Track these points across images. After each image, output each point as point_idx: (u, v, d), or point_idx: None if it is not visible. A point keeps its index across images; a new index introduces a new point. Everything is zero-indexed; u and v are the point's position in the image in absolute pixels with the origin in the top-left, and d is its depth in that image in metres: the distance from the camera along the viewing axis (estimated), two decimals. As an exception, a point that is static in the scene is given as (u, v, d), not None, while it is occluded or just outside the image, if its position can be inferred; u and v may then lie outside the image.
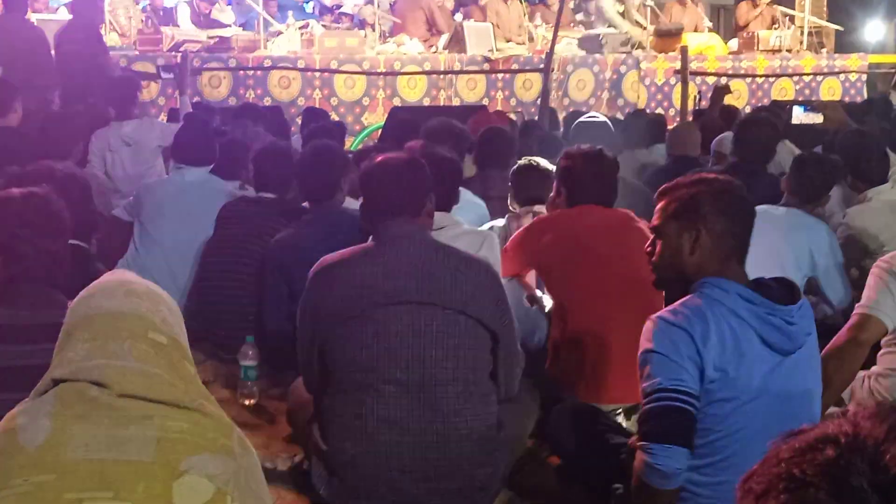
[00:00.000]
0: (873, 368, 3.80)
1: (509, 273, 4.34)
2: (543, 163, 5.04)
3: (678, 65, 11.40)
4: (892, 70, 13.38)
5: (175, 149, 6.06)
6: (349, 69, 10.96)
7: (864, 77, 13.03)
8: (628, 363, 3.82)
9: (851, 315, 3.69)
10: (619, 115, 11.33)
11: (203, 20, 12.08)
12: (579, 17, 13.57)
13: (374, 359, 3.35)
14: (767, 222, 4.54)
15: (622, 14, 13.25)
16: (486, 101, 11.32)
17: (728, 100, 11.81)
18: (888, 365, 3.76)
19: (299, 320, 3.56)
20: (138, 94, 7.89)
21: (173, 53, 10.26)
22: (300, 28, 11.65)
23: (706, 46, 12.62)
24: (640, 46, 12.56)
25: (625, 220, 4.24)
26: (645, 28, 12.82)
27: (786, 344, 2.76)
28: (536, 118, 9.83)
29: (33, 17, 9.63)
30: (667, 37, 12.49)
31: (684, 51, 11.25)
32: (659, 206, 2.99)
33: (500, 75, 11.56)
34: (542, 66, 10.98)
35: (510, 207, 5.10)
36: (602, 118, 7.27)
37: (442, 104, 11.13)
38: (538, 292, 4.48)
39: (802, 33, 13.22)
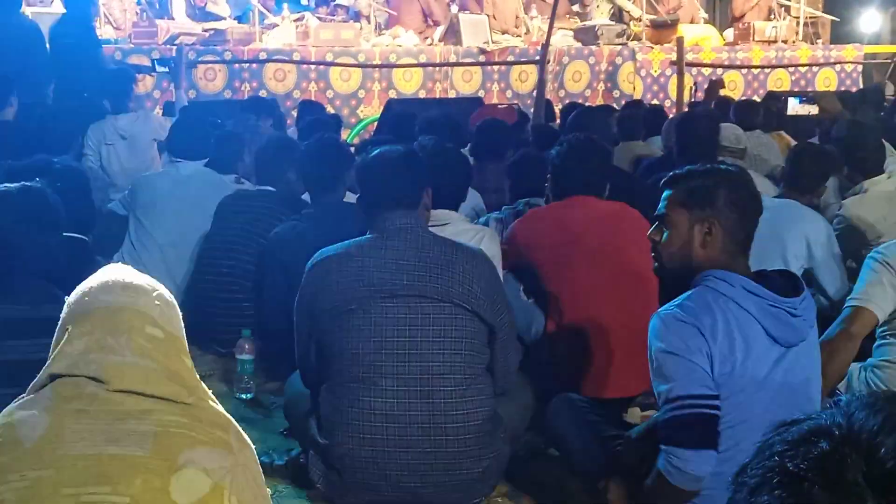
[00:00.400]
0: (869, 360, 3.80)
1: (505, 267, 4.34)
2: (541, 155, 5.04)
3: (674, 56, 11.40)
4: (888, 60, 13.35)
5: (171, 142, 6.06)
6: (345, 62, 10.94)
7: (860, 68, 13.02)
8: (624, 356, 3.83)
9: (844, 307, 3.70)
10: (616, 107, 11.35)
11: (198, 13, 12.04)
12: (576, 7, 13.55)
13: (370, 352, 3.35)
14: (764, 213, 4.55)
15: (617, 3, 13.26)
16: (481, 94, 11.31)
17: (724, 91, 11.82)
18: (884, 356, 3.76)
19: (296, 314, 3.56)
20: (134, 88, 7.88)
21: (168, 46, 10.24)
22: (295, 20, 11.62)
23: (702, 37, 12.61)
24: (636, 38, 12.55)
25: (618, 212, 4.23)
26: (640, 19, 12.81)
27: (790, 336, 2.76)
28: (532, 110, 9.82)
29: (28, 11, 9.59)
30: (662, 28, 12.47)
31: (680, 42, 11.24)
32: (668, 194, 2.94)
33: (495, 67, 11.55)
34: (537, 57, 10.96)
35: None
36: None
37: (438, 96, 11.11)
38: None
39: (798, 24, 13.20)
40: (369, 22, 12.01)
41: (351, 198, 4.80)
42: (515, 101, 11.11)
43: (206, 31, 11.09)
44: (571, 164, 4.26)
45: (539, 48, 11.06)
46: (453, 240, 3.61)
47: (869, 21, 14.45)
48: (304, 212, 4.80)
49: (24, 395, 1.96)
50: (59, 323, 2.02)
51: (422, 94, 11.14)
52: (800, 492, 0.93)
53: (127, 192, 5.74)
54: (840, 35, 14.09)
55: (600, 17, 13.12)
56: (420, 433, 3.35)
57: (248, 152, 6.24)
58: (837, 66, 12.87)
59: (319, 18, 12.15)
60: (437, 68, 11.33)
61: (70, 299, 2.06)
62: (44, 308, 2.86)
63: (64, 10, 9.06)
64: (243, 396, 4.50)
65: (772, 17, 13.36)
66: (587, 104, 10.05)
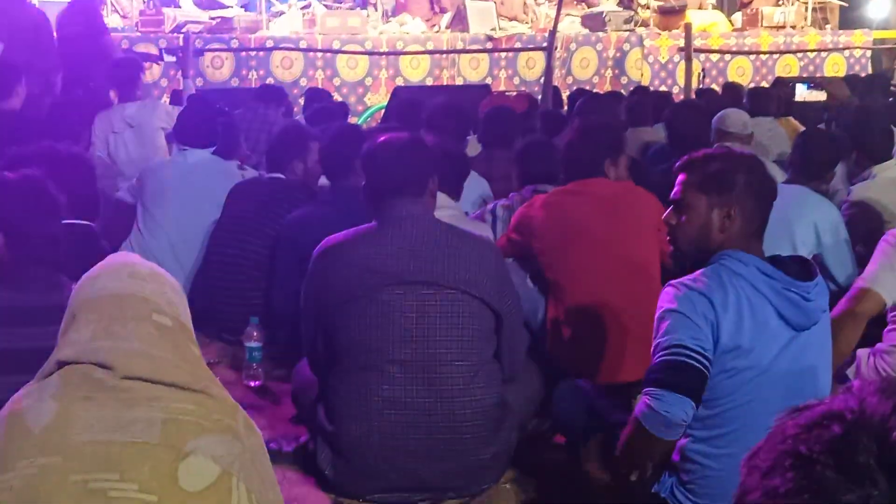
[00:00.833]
0: (878, 345, 3.80)
1: (510, 255, 4.35)
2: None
3: (682, 42, 11.37)
4: (897, 45, 13.33)
5: (178, 130, 6.06)
6: (352, 49, 10.94)
7: (869, 53, 12.97)
8: (628, 340, 3.83)
9: (851, 287, 3.70)
10: (623, 94, 11.33)
11: (205, 1, 12.04)
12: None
13: (378, 339, 3.35)
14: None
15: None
16: (489, 81, 11.30)
17: (732, 77, 11.79)
18: (893, 342, 3.75)
19: (303, 301, 3.57)
20: (141, 76, 7.88)
21: (175, 35, 10.25)
22: (302, 8, 11.62)
23: (710, 23, 12.57)
24: (644, 24, 12.51)
25: (620, 195, 4.21)
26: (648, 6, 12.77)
27: (801, 319, 2.77)
28: (540, 97, 9.80)
29: (35, -1, 9.62)
30: (670, 14, 12.45)
31: (688, 28, 11.21)
32: (684, 178, 2.95)
33: (503, 54, 11.53)
34: (545, 44, 10.95)
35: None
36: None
37: (445, 84, 11.10)
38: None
39: (807, 9, 13.15)
40: (376, 9, 11.99)
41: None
42: (523, 88, 11.10)
43: (212, 19, 11.09)
44: (579, 145, 4.27)
45: (546, 35, 11.05)
46: (460, 227, 3.61)
47: (877, 6, 14.39)
48: (321, 196, 4.80)
49: (31, 382, 1.96)
50: (67, 310, 2.02)
51: (429, 82, 11.14)
52: (812, 475, 0.94)
53: (135, 181, 5.74)
54: (848, 20, 14.03)
55: (608, 3, 13.08)
56: (428, 420, 3.35)
57: (253, 139, 6.25)
58: (846, 52, 12.82)
59: (326, 6, 12.14)
60: (445, 55, 11.32)
61: (77, 287, 2.06)
62: (51, 296, 2.87)
63: (70, -1, 9.05)
64: (251, 384, 4.50)
65: (780, 2, 13.32)
66: (595, 91, 10.03)
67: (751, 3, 13.37)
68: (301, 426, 3.94)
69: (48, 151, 3.91)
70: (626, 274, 3.98)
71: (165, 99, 9.47)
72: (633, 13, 12.51)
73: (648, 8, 12.79)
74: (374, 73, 11.03)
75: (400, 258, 3.38)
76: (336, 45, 10.85)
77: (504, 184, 5.48)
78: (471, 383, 3.39)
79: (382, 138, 3.62)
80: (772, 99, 7.91)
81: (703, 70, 11.84)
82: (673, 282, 2.82)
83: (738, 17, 13.10)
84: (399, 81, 10.96)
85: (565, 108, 9.06)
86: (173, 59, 9.84)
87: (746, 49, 12.41)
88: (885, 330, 3.78)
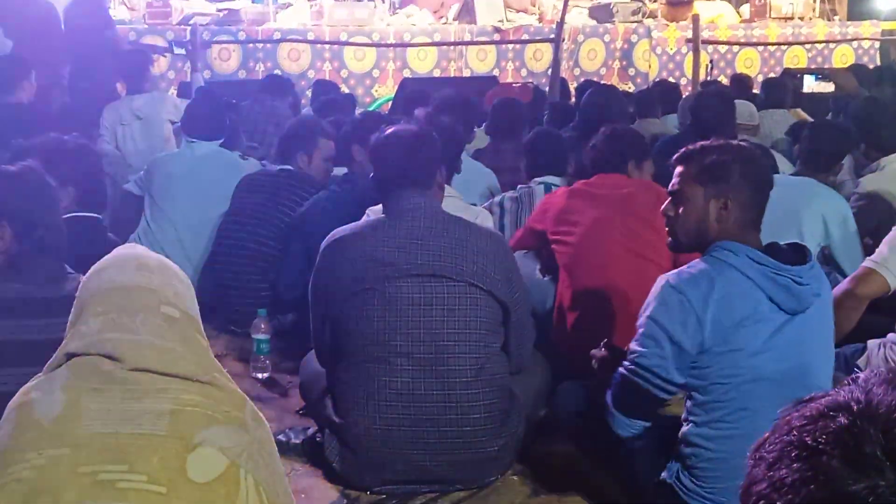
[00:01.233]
0: (890, 336, 3.79)
1: (529, 246, 4.37)
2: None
3: (690, 33, 11.34)
4: (906, 37, 13.27)
5: (186, 123, 6.06)
6: (359, 41, 10.92)
7: (877, 44, 12.92)
8: (630, 329, 3.86)
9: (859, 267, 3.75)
10: (631, 85, 11.30)
11: (212, -7, 12.03)
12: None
13: (385, 332, 3.36)
14: (781, 191, 4.53)
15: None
16: (496, 72, 11.28)
17: (740, 68, 11.76)
18: (904, 334, 3.75)
19: (311, 293, 3.57)
20: (150, 68, 7.88)
21: (182, 27, 10.24)
22: (309, 0, 11.60)
23: (718, 15, 12.53)
24: (652, 15, 12.48)
25: (638, 190, 4.23)
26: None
27: (794, 303, 2.82)
28: (547, 89, 9.79)
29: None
30: (678, 5, 12.40)
31: (696, 19, 11.17)
32: (682, 170, 3.00)
33: (510, 46, 11.51)
34: (552, 35, 10.92)
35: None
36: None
37: (452, 75, 11.08)
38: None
39: (815, 0, 13.11)
40: (384, 1, 11.97)
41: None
42: (530, 80, 11.08)
43: (220, 11, 11.08)
44: (606, 147, 4.37)
45: (554, 26, 11.02)
46: (467, 219, 3.61)
47: (886, -3, 14.33)
48: (335, 186, 4.80)
49: (40, 374, 1.97)
50: (75, 303, 2.02)
51: (436, 73, 11.12)
52: (819, 465, 0.94)
53: (142, 173, 5.75)
54: (857, 11, 13.97)
55: (615, -6, 13.04)
56: (435, 412, 3.36)
57: (261, 131, 6.25)
58: (854, 43, 12.77)
59: (334, -3, 12.12)
60: (452, 47, 11.30)
61: (85, 279, 2.06)
62: (58, 287, 2.88)
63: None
64: (259, 376, 4.51)
65: (788, -7, 13.27)
66: (602, 82, 10.01)
67: (759, -7, 13.33)
68: (309, 418, 3.95)
69: (53, 144, 3.92)
70: (637, 266, 3.99)
71: (173, 91, 9.47)
72: (640, 4, 12.47)
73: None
74: (381, 65, 11.02)
75: (408, 250, 3.38)
76: (343, 37, 10.84)
77: (511, 175, 5.48)
78: (478, 375, 3.40)
79: (390, 130, 3.62)
80: (787, 90, 7.91)
81: (710, 61, 11.81)
82: (664, 276, 2.89)
83: (746, 8, 13.06)
84: (406, 73, 10.95)
85: (573, 99, 9.04)
86: (183, 51, 9.83)
87: (755, 40, 12.37)
88: (897, 322, 3.78)
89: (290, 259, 4.72)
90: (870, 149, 5.24)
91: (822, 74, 10.36)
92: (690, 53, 11.23)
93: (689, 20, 11.62)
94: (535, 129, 5.28)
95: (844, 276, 4.46)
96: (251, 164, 5.77)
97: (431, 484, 3.45)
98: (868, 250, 4.49)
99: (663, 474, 2.99)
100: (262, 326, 4.52)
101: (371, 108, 10.30)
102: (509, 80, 11.10)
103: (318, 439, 3.68)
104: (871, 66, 11.51)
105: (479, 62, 11.39)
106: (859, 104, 5.88)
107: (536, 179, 4.88)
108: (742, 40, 12.30)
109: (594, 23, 12.06)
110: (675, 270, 2.90)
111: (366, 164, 4.46)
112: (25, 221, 2.97)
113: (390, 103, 9.43)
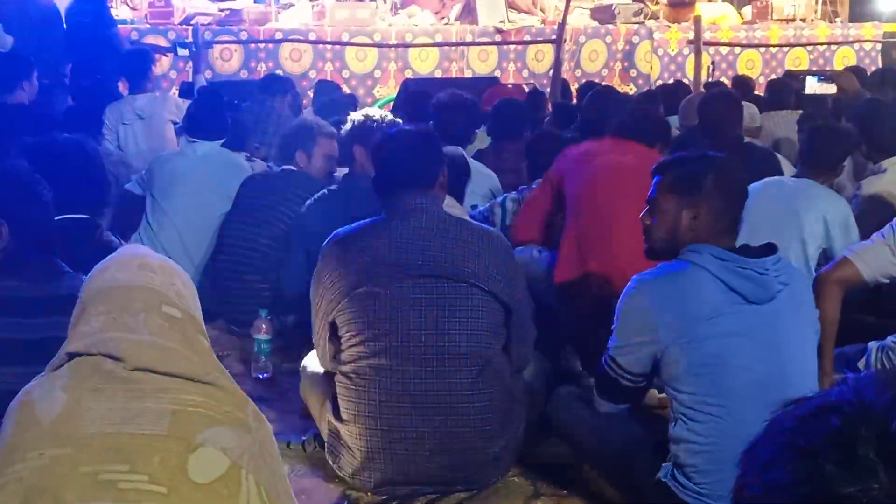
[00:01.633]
0: (888, 339, 3.79)
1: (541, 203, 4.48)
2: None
3: (691, 35, 11.33)
4: (908, 39, 13.25)
5: (188, 123, 6.07)
6: (360, 41, 10.92)
7: (879, 46, 12.91)
8: (634, 237, 3.96)
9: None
10: (632, 86, 11.29)
11: (214, -7, 12.03)
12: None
13: (387, 333, 3.35)
14: (782, 193, 4.54)
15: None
16: (498, 73, 11.27)
17: (742, 70, 11.75)
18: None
19: (313, 294, 3.57)
20: (152, 68, 7.88)
21: (184, 27, 10.25)
22: (311, 0, 11.60)
23: (720, 16, 12.52)
24: (654, 17, 12.47)
25: (641, 164, 4.30)
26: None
27: (759, 292, 2.94)
28: (549, 90, 9.78)
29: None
30: (680, 7, 12.39)
31: (698, 21, 11.17)
32: (658, 180, 3.14)
33: (512, 47, 11.50)
34: (554, 36, 10.92)
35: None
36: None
37: (454, 76, 11.08)
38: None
39: (817, 2, 13.09)
40: (385, 1, 11.97)
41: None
42: (532, 81, 11.07)
43: (221, 11, 11.08)
44: (633, 126, 4.59)
45: (555, 27, 11.02)
46: (469, 220, 3.61)
47: (888, -1, 14.33)
48: (336, 186, 4.80)
49: (41, 373, 1.97)
50: (77, 302, 2.03)
51: (438, 74, 11.11)
52: (812, 468, 0.94)
53: (144, 172, 5.75)
54: (859, 13, 13.96)
55: (617, -5, 13.03)
56: (436, 414, 3.36)
57: (261, 131, 6.24)
58: (856, 45, 12.76)
59: (336, -2, 12.11)
60: (454, 48, 11.30)
61: (87, 279, 2.07)
62: (54, 285, 2.88)
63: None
64: (260, 376, 4.51)
65: (790, -5, 13.26)
66: (604, 83, 10.00)
67: (761, -5, 13.32)
68: (310, 419, 3.95)
69: (43, 144, 3.89)
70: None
71: (175, 91, 9.47)
72: (642, 6, 12.45)
73: (658, 1, 12.74)
74: (382, 66, 11.02)
75: (409, 251, 3.38)
76: (345, 38, 10.84)
77: (513, 176, 5.48)
78: (479, 376, 3.39)
79: (393, 131, 3.62)
80: (791, 91, 7.92)
81: (712, 63, 11.80)
82: (634, 279, 3.06)
83: (748, 9, 13.05)
84: (408, 73, 10.94)
85: (574, 100, 9.04)
86: (186, 52, 9.83)
87: (756, 42, 12.35)
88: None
89: (291, 257, 4.72)
90: (872, 150, 5.23)
91: (824, 76, 10.35)
92: (692, 55, 11.22)
93: (690, 21, 11.60)
94: (537, 131, 5.28)
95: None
96: (258, 165, 5.77)
97: (432, 485, 3.45)
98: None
99: (659, 474, 3.04)
100: (263, 327, 4.52)
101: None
102: (511, 80, 11.09)
103: (318, 440, 3.68)
104: (873, 68, 11.51)
105: (481, 63, 11.38)
106: (862, 106, 5.88)
107: (538, 181, 4.88)
108: (744, 42, 12.28)
109: (596, 24, 12.05)
110: (645, 273, 3.05)
111: (366, 165, 4.48)
112: (21, 219, 2.97)
113: (392, 104, 9.42)
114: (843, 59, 12.60)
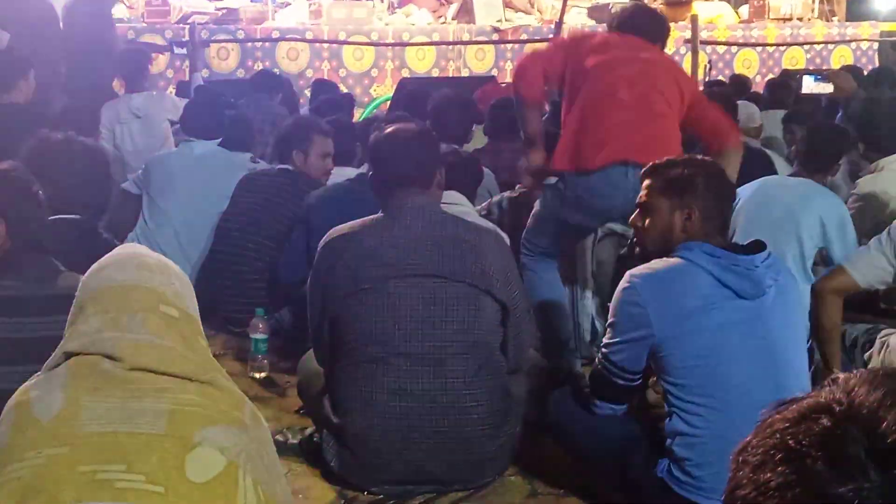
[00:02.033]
0: (891, 338, 3.81)
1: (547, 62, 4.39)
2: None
3: (688, 34, 11.33)
4: (905, 38, 13.26)
5: (184, 121, 6.06)
6: (358, 40, 10.91)
7: (876, 45, 12.92)
8: (636, 121, 4.06)
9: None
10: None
11: (210, -9, 12.01)
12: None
13: (384, 331, 3.35)
14: (778, 192, 4.54)
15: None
16: (495, 72, 11.27)
17: (739, 69, 11.75)
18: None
19: (310, 292, 3.57)
20: (148, 67, 7.87)
21: (181, 26, 10.24)
22: (308, -1, 11.60)
23: (716, 15, 12.52)
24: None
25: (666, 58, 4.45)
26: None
27: (750, 287, 3.01)
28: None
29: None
30: (676, 6, 12.38)
31: (694, 20, 11.17)
32: (649, 182, 3.21)
33: (509, 46, 11.50)
34: (551, 35, 10.91)
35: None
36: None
37: (451, 75, 11.07)
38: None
39: (814, 1, 13.10)
40: (382, 0, 11.96)
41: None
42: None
43: (218, 9, 11.07)
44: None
45: (552, 26, 11.01)
46: (465, 218, 3.61)
47: (885, -2, 14.34)
48: (337, 183, 4.79)
49: (38, 373, 1.97)
50: (74, 302, 2.02)
51: (435, 73, 11.11)
52: (803, 469, 0.94)
53: (140, 172, 5.75)
54: (856, 12, 13.97)
55: (614, -6, 13.04)
56: (433, 412, 3.36)
57: (256, 130, 6.23)
58: (853, 44, 12.77)
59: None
60: (451, 47, 11.29)
61: (85, 278, 2.06)
62: (51, 284, 2.88)
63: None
64: (257, 375, 4.51)
65: (787, -6, 13.26)
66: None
67: (758, -6, 13.31)
68: (307, 418, 3.95)
69: (51, 143, 3.89)
70: (650, 125, 4.14)
71: (172, 90, 9.46)
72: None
73: (655, 0, 12.74)
74: (379, 65, 11.01)
75: (406, 249, 3.38)
76: (342, 37, 10.83)
77: (510, 175, 5.48)
78: (477, 375, 3.39)
79: (390, 129, 3.62)
80: (790, 90, 7.93)
81: (709, 62, 11.79)
82: (627, 274, 3.13)
83: (745, 8, 13.06)
84: (405, 73, 10.94)
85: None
86: (184, 51, 9.82)
87: (753, 41, 12.36)
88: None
89: (293, 244, 4.71)
90: (868, 150, 5.24)
91: (820, 75, 10.35)
92: (689, 54, 11.21)
93: (687, 20, 11.60)
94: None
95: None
96: (261, 166, 5.76)
97: (429, 484, 3.45)
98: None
99: (656, 469, 3.09)
100: (260, 326, 4.52)
101: (369, 108, 10.31)
102: (508, 79, 11.08)
103: (315, 439, 3.68)
104: (870, 67, 11.52)
105: (478, 62, 11.38)
106: (859, 105, 5.89)
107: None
108: (741, 41, 12.29)
109: (593, 23, 12.05)
110: (638, 268, 3.12)
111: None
112: (18, 218, 2.97)
113: (389, 103, 9.42)
114: (839, 58, 12.61)
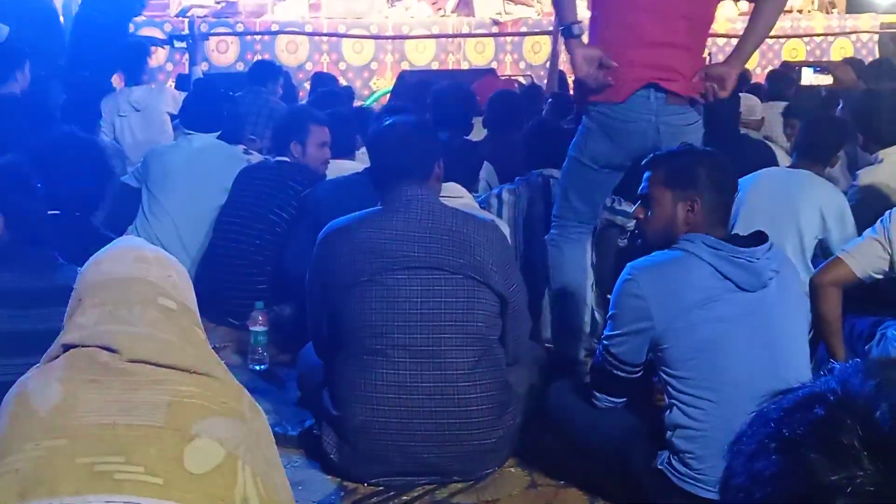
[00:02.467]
0: (890, 330, 3.80)
1: None
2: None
3: (688, 26, 11.30)
4: (905, 30, 13.25)
5: (184, 114, 6.06)
6: (357, 33, 10.91)
7: (876, 37, 12.91)
8: (662, 41, 3.86)
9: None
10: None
11: (210, -16, 12.01)
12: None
13: (383, 324, 3.36)
14: (778, 184, 4.54)
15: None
16: (494, 65, 11.27)
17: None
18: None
19: (309, 285, 3.57)
20: (148, 60, 7.86)
21: (180, 19, 10.23)
22: (307, -9, 11.59)
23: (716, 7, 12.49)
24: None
25: None
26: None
27: (751, 279, 3.01)
28: (546, 82, 9.78)
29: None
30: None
31: (694, 12, 11.14)
32: (650, 174, 3.21)
33: (508, 38, 11.50)
34: (551, 28, 10.91)
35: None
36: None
37: (451, 68, 11.07)
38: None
39: (814, -7, 13.12)
40: (382, -7, 11.96)
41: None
42: (529, 73, 11.07)
43: (218, 3, 11.07)
44: None
45: (552, 19, 11.00)
46: (465, 210, 3.61)
47: (885, -10, 14.33)
48: (345, 176, 4.78)
49: (37, 365, 1.97)
50: (73, 294, 2.02)
51: (435, 66, 11.12)
52: (797, 458, 0.94)
53: (139, 165, 5.75)
54: (855, 4, 13.97)
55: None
56: (432, 405, 3.36)
57: (252, 122, 6.23)
58: (853, 36, 12.77)
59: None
60: (450, 40, 11.29)
61: (83, 271, 2.06)
62: (49, 276, 2.88)
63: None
64: (257, 368, 4.51)
65: (787, -14, 13.24)
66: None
67: (758, -14, 13.26)
68: (306, 410, 3.95)
69: (50, 137, 3.89)
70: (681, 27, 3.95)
71: (171, 83, 9.46)
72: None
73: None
74: (379, 58, 11.01)
75: (405, 242, 3.38)
76: (341, 30, 10.83)
77: (510, 167, 5.47)
78: (475, 367, 3.40)
79: (389, 122, 3.62)
80: (792, 83, 7.93)
81: (709, 54, 11.77)
82: (629, 266, 3.12)
83: (744, 3, 13.04)
84: (405, 66, 10.94)
85: (571, 92, 9.03)
86: (184, 45, 9.82)
87: (753, 33, 12.33)
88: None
89: (299, 237, 4.68)
90: (868, 142, 5.23)
91: (820, 67, 10.35)
92: (689, 46, 11.19)
93: (687, 13, 11.58)
94: (534, 121, 5.27)
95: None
96: (255, 158, 5.77)
97: (429, 476, 3.45)
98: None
99: (656, 462, 3.10)
100: (260, 318, 4.52)
101: (369, 101, 10.30)
102: (507, 72, 11.09)
103: (315, 431, 3.67)
104: (870, 59, 11.51)
105: (478, 55, 11.38)
106: (859, 97, 5.88)
107: (535, 172, 4.88)
108: (741, 33, 12.25)
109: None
110: (639, 261, 3.13)
111: None
112: (16, 211, 2.98)
113: (388, 96, 9.41)
114: (840, 50, 12.61)
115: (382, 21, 11.16)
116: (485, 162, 5.52)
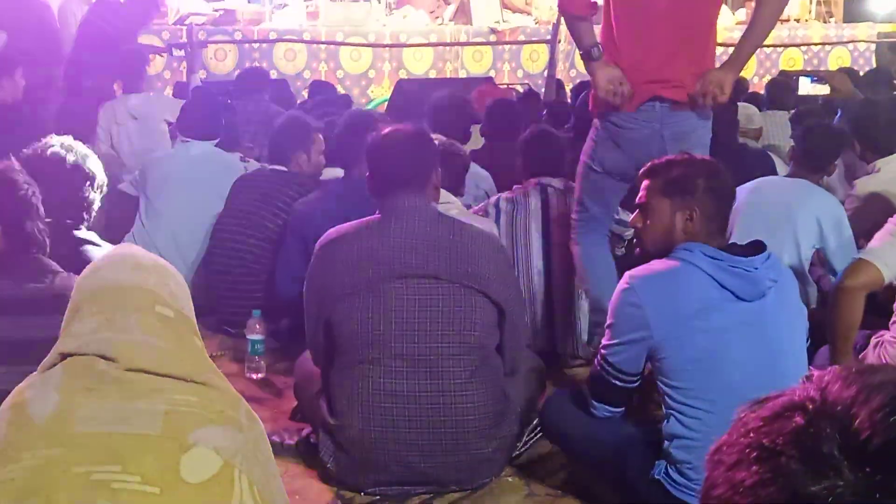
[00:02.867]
0: (886, 335, 3.79)
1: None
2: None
3: (686, 35, 11.32)
4: (902, 39, 13.26)
5: (181, 122, 6.06)
6: (355, 41, 10.91)
7: (874, 47, 12.92)
8: (669, 51, 3.94)
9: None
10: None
11: (208, -7, 12.00)
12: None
13: (380, 333, 3.35)
14: (775, 192, 4.54)
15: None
16: (492, 73, 11.26)
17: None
18: (896, 333, 3.75)
19: (306, 294, 3.56)
20: (146, 68, 7.85)
21: (178, 27, 10.23)
22: (305, 0, 11.59)
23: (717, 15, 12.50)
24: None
25: None
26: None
27: (749, 289, 3.00)
28: (543, 90, 9.78)
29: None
30: (674, 7, 12.38)
31: (692, 21, 11.15)
32: (648, 183, 3.19)
33: (506, 47, 11.49)
34: (548, 37, 10.92)
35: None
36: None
37: (448, 76, 11.07)
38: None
39: (811, 2, 13.11)
40: (379, 1, 11.96)
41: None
42: (526, 81, 11.07)
43: (216, 11, 11.06)
44: None
45: (550, 27, 11.02)
46: (462, 219, 3.61)
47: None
48: (332, 186, 4.78)
49: (34, 373, 1.96)
50: (70, 302, 2.02)
51: (432, 74, 11.11)
52: (777, 467, 0.93)
53: (137, 173, 5.75)
54: (853, 13, 13.97)
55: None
56: (430, 414, 3.35)
57: (252, 131, 6.23)
58: (850, 45, 12.78)
59: (330, -2, 12.09)
60: (448, 48, 11.29)
61: (80, 279, 2.06)
62: (45, 284, 2.88)
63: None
64: (254, 376, 4.51)
65: (784, -5, 13.24)
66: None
67: (755, -4, 13.29)
68: (303, 419, 3.94)
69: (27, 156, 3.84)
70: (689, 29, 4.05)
71: (169, 91, 9.45)
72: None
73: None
74: (377, 66, 11.00)
75: (402, 251, 3.38)
76: (339, 38, 10.82)
77: (507, 176, 5.47)
78: (473, 377, 3.39)
79: (386, 130, 3.62)
80: (790, 92, 7.93)
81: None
82: (626, 275, 3.12)
83: (741, 12, 13.06)
84: (402, 74, 10.93)
85: (569, 100, 9.04)
86: (182, 53, 9.82)
87: (750, 42, 12.34)
88: (892, 321, 3.77)
89: (287, 257, 4.68)
90: (865, 150, 5.23)
91: (817, 77, 10.36)
92: (686, 55, 11.20)
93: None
94: (532, 129, 5.26)
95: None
96: (252, 166, 5.76)
97: (426, 485, 3.45)
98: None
99: (653, 472, 3.09)
100: (257, 327, 4.52)
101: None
102: (505, 80, 11.09)
103: (312, 440, 3.67)
104: (867, 69, 11.52)
105: (475, 63, 11.38)
106: (856, 106, 5.88)
107: (533, 180, 4.87)
108: (738, 42, 12.27)
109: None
110: (637, 269, 3.11)
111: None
112: (13, 219, 2.97)
113: (386, 104, 9.41)
114: (837, 59, 12.62)
115: (380, 29, 11.16)
116: (482, 170, 5.53)
